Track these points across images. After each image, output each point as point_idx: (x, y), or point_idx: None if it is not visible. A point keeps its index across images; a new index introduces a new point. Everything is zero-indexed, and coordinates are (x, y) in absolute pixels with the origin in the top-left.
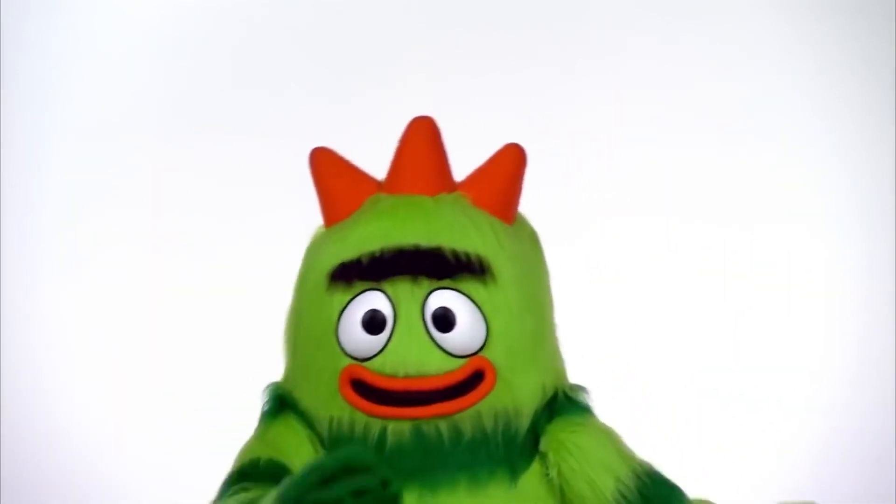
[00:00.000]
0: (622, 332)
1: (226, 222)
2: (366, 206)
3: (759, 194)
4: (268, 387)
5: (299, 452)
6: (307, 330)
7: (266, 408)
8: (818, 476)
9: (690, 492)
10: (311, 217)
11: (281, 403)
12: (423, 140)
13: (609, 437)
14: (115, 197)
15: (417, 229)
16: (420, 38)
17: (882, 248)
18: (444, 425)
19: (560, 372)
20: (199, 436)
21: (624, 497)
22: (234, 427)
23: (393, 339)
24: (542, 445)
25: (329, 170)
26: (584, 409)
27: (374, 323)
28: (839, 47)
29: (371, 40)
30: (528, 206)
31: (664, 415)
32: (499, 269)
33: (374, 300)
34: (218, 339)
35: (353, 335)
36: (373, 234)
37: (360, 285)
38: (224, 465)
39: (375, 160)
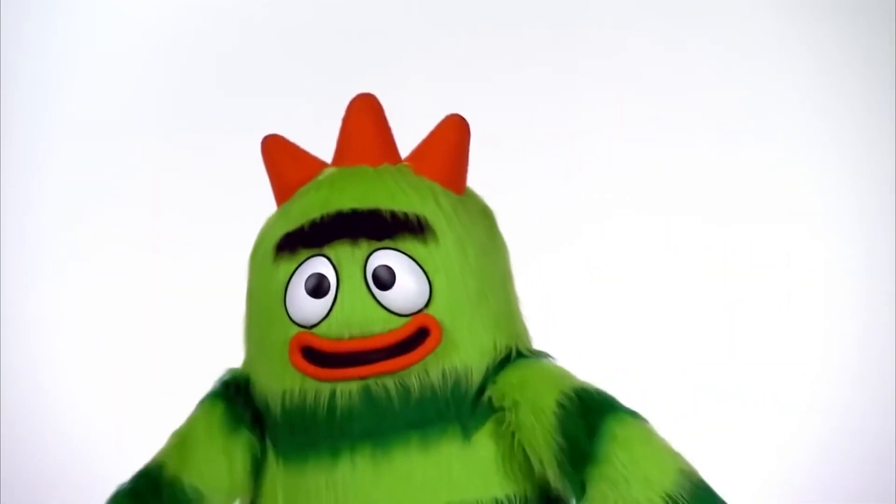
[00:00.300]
0: (621, 332)
1: (225, 222)
2: (312, 182)
3: (758, 194)
4: (226, 371)
5: (207, 450)
6: (258, 305)
7: (209, 391)
8: (818, 476)
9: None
10: None
11: (224, 388)
12: (364, 115)
13: (554, 365)
14: (114, 197)
15: (355, 194)
16: (419, 39)
17: (882, 248)
18: (391, 383)
19: (518, 335)
20: None
21: (563, 406)
22: None
23: (337, 301)
24: (489, 391)
25: (278, 153)
26: (538, 356)
27: (319, 287)
28: (839, 47)
29: (371, 41)
30: (530, 204)
31: (663, 415)
32: (439, 229)
33: (318, 265)
34: (218, 339)
35: (300, 302)
36: (313, 203)
37: (303, 252)
38: None
39: None
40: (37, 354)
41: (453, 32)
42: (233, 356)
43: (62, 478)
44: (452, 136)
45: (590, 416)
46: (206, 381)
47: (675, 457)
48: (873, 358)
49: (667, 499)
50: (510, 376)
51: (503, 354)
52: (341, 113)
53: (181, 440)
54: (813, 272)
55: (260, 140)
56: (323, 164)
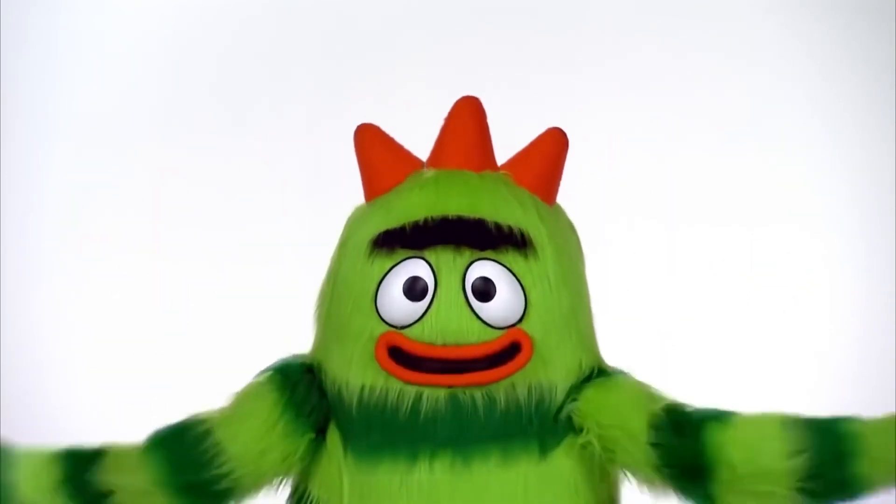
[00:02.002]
0: (620, 334)
1: (226, 223)
2: (409, 179)
3: (758, 195)
4: (290, 357)
5: (253, 425)
6: (344, 296)
7: (263, 371)
8: None
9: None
10: (311, 219)
11: (281, 373)
12: (468, 118)
13: (635, 382)
14: (115, 197)
15: (461, 201)
16: (419, 42)
17: (882, 248)
18: (479, 394)
19: (598, 353)
20: None
21: (657, 429)
22: None
23: (433, 306)
24: (569, 409)
25: (374, 144)
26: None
27: (414, 290)
28: (839, 48)
29: (371, 43)
30: None
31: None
32: (539, 244)
33: (416, 268)
34: (218, 339)
35: (393, 302)
36: (417, 204)
37: (401, 253)
38: None
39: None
40: (37, 355)
41: (452, 37)
42: (234, 355)
43: None
44: (552, 148)
45: (687, 432)
46: (206, 381)
47: (774, 429)
48: (873, 358)
49: (792, 478)
50: (593, 397)
51: (586, 374)
52: (343, 116)
53: (232, 409)
54: (813, 273)
55: (355, 128)
56: (418, 160)
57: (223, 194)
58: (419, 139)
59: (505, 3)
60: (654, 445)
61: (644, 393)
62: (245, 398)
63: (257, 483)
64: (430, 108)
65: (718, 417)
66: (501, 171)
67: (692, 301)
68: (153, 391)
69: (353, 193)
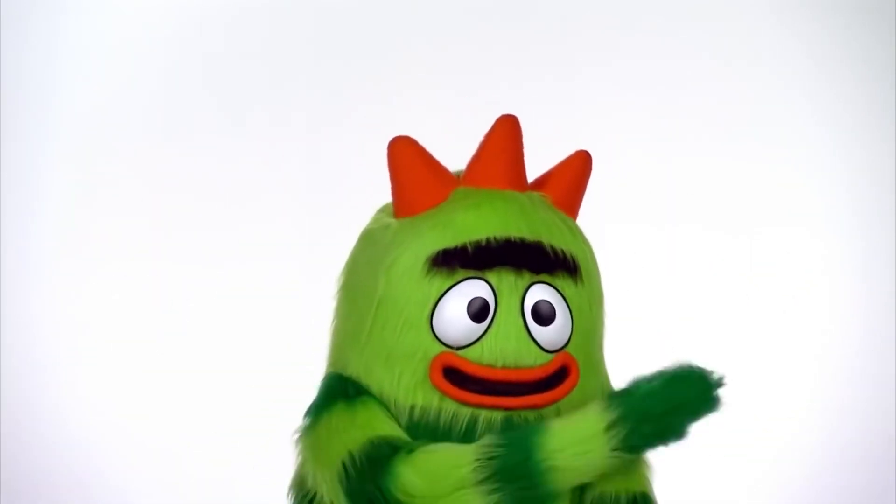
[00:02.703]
0: (621, 335)
1: (226, 224)
2: (456, 197)
3: (758, 196)
4: (329, 375)
5: (399, 433)
6: (394, 315)
7: (332, 393)
8: (817, 476)
9: (690, 493)
10: (310, 221)
11: (355, 390)
12: (510, 137)
13: (642, 463)
14: (115, 197)
15: (520, 223)
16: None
17: (882, 248)
18: (532, 417)
19: (608, 378)
20: (201, 439)
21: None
22: (236, 428)
23: (493, 328)
24: None
25: (412, 159)
26: None
27: (477, 311)
28: (839, 47)
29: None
30: None
31: None
32: (585, 270)
33: (478, 289)
34: (217, 339)
35: (454, 322)
36: (478, 223)
37: (462, 273)
38: (223, 464)
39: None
40: (37, 355)
41: (449, 41)
42: (234, 355)
43: (62, 477)
44: (582, 171)
45: None
46: (206, 381)
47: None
48: (873, 359)
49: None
50: None
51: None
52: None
53: (359, 427)
54: (813, 273)
55: (389, 141)
56: (454, 176)
57: (223, 196)
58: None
59: (504, 4)
60: None
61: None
62: (377, 418)
63: None
64: (426, 112)
65: None
66: (540, 193)
67: (692, 302)
68: (153, 391)
69: (353, 195)
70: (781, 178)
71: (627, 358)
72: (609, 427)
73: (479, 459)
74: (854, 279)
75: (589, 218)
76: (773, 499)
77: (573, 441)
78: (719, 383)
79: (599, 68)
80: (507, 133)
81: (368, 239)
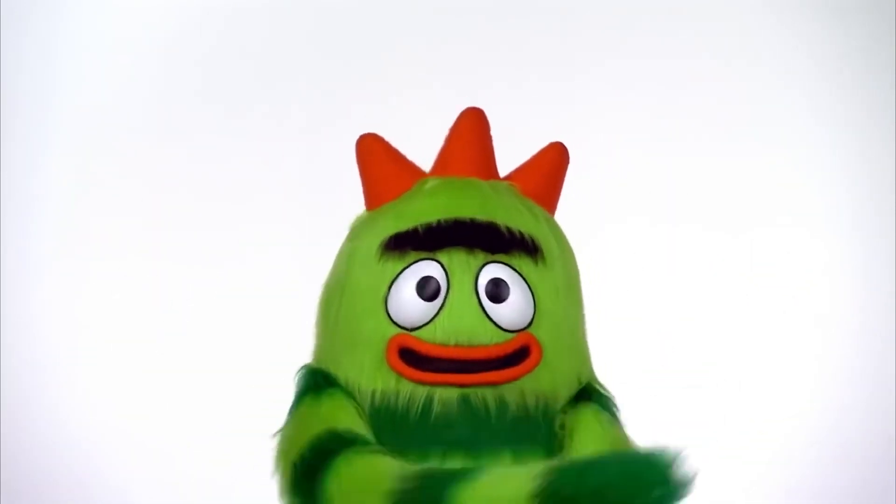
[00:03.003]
0: (620, 335)
1: (225, 223)
2: (416, 187)
3: (756, 195)
4: (302, 368)
5: (356, 425)
6: (354, 303)
7: (303, 387)
8: (817, 476)
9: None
10: (308, 220)
11: (323, 381)
12: (474, 128)
13: (609, 426)
14: (114, 197)
15: (473, 205)
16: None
17: (882, 248)
18: (490, 396)
19: (592, 369)
20: (201, 438)
21: None
22: (236, 427)
23: (445, 307)
24: (562, 419)
25: (377, 154)
26: (612, 411)
27: (427, 290)
28: (839, 47)
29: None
30: None
31: (663, 416)
32: (548, 251)
33: (429, 269)
34: (216, 339)
35: (404, 303)
36: (429, 208)
37: (413, 255)
38: (222, 464)
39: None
40: (37, 354)
41: (445, 41)
42: (233, 354)
43: (62, 477)
44: (556, 161)
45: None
46: (205, 380)
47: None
48: (873, 359)
49: None
50: (578, 420)
51: (582, 386)
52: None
53: (320, 419)
54: (813, 273)
55: (357, 138)
56: (420, 169)
57: (222, 195)
58: (415, 143)
59: (502, 4)
60: None
61: (609, 440)
62: (316, 408)
63: None
64: (423, 112)
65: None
66: (508, 181)
67: (691, 301)
68: (152, 390)
69: (350, 195)
70: (781, 177)
71: (627, 357)
72: (533, 496)
73: (392, 489)
74: (854, 279)
75: (587, 217)
76: (771, 499)
77: (490, 500)
78: (679, 477)
79: (596, 67)
80: (471, 125)
81: (347, 235)
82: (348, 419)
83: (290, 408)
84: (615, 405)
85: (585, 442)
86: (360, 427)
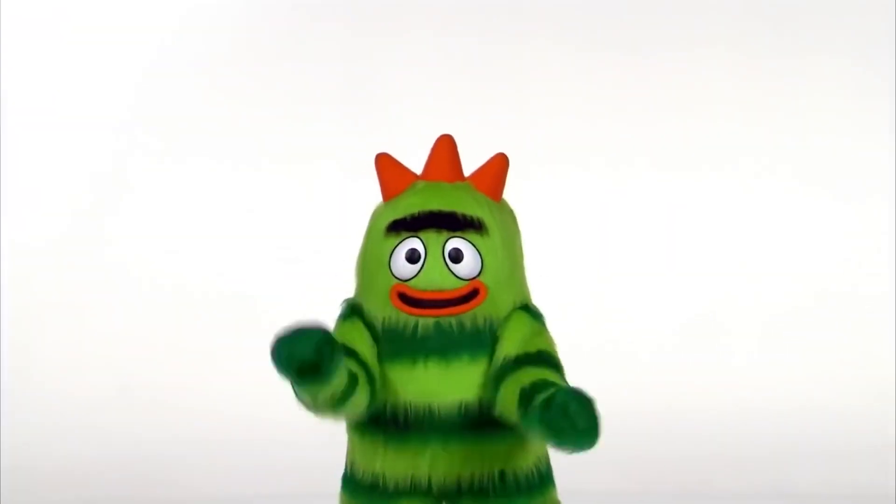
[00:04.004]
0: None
1: (225, 224)
2: (409, 188)
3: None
4: (344, 300)
5: (362, 342)
6: (371, 263)
7: (341, 313)
8: (818, 476)
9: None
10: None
11: (352, 310)
12: (446, 149)
13: (530, 323)
14: (116, 196)
15: (441, 201)
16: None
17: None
18: (454, 321)
19: (527, 297)
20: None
21: (504, 365)
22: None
23: (424, 267)
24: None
25: (387, 166)
26: (534, 315)
27: (413, 257)
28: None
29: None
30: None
31: (661, 407)
32: (490, 227)
33: (414, 243)
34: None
35: (400, 265)
36: (414, 203)
37: (404, 234)
38: (226, 465)
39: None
40: (38, 353)
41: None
42: (231, 355)
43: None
44: (498, 167)
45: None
46: (204, 379)
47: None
48: (873, 359)
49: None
50: (508, 318)
51: (517, 307)
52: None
53: (338, 335)
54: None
55: (375, 156)
56: (414, 174)
57: (223, 193)
58: (414, 149)
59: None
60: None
61: (527, 334)
62: (345, 330)
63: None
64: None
65: (513, 376)
66: (466, 182)
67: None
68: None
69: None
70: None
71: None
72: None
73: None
74: (855, 280)
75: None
76: (771, 498)
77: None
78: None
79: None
80: (444, 146)
81: (370, 218)
82: (352, 336)
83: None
84: (538, 312)
85: (512, 328)
86: (358, 342)
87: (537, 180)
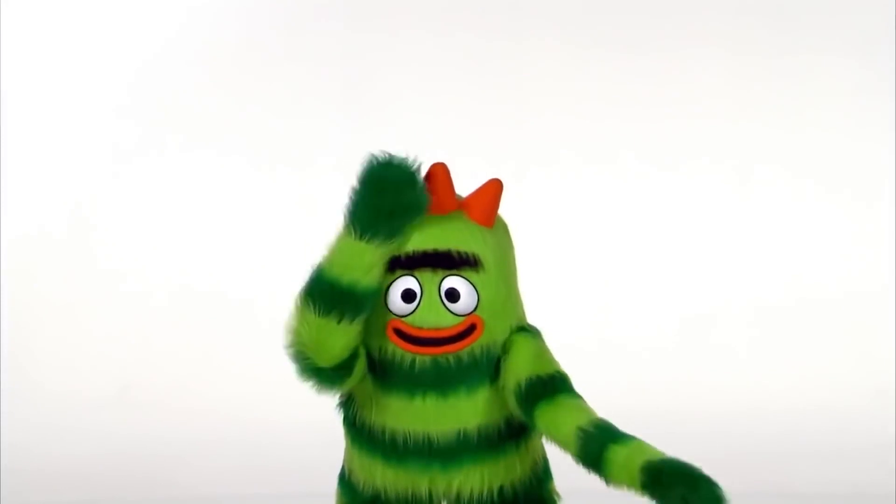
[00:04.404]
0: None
1: (225, 223)
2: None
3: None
4: None
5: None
6: None
7: None
8: (818, 476)
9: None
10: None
11: None
12: (440, 179)
13: (532, 345)
14: (114, 196)
15: (437, 238)
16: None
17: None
18: (451, 357)
19: (522, 316)
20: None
21: (519, 388)
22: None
23: (420, 306)
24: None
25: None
26: (533, 335)
27: (409, 296)
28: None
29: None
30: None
31: (661, 408)
32: (485, 261)
33: (409, 282)
34: (215, 339)
35: (396, 302)
36: (411, 241)
37: (399, 272)
38: (226, 465)
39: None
40: (37, 353)
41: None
42: (231, 355)
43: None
44: (492, 193)
45: (529, 401)
46: (203, 379)
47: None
48: (873, 359)
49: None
50: (511, 341)
51: (514, 330)
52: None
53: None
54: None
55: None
56: None
57: (222, 193)
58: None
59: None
60: (515, 395)
61: (533, 355)
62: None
63: (353, 382)
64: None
65: (549, 399)
66: (460, 210)
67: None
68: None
69: None
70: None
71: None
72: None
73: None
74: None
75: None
76: (772, 498)
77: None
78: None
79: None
80: (438, 175)
81: None
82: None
83: None
84: (536, 331)
85: (517, 352)
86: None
87: (535, 180)
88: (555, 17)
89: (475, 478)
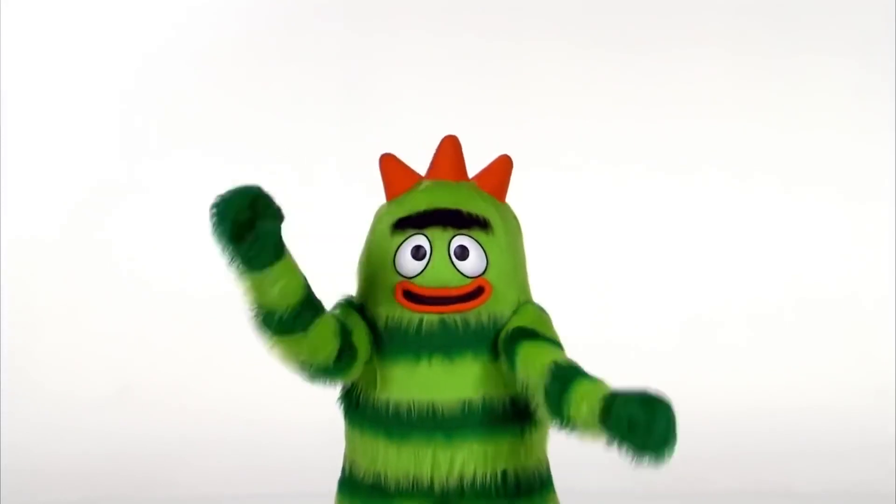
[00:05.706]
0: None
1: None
2: (414, 186)
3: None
4: (341, 298)
5: (356, 323)
6: (375, 260)
7: (335, 304)
8: (818, 476)
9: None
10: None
11: (348, 303)
12: (451, 149)
13: (534, 313)
14: (114, 196)
15: (447, 199)
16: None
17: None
18: (458, 319)
19: (529, 297)
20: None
21: (507, 332)
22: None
23: (430, 264)
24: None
25: (392, 166)
26: (540, 308)
27: (418, 254)
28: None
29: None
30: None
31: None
32: (495, 225)
33: (419, 240)
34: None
35: (406, 261)
36: (420, 201)
37: (410, 231)
38: (226, 465)
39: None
40: (37, 353)
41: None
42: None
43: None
44: (503, 167)
45: (507, 349)
46: (203, 379)
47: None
48: (873, 359)
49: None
50: (515, 311)
51: (522, 304)
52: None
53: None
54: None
55: (379, 157)
56: (419, 175)
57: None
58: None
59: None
60: (503, 340)
61: (533, 319)
62: (341, 313)
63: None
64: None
65: (532, 339)
66: (471, 181)
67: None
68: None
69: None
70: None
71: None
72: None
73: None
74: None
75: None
76: (772, 498)
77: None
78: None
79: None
80: (448, 146)
81: (374, 217)
82: (345, 313)
83: None
84: (543, 308)
85: (519, 314)
86: (350, 319)
87: (536, 180)
88: (555, 18)
89: (478, 456)
